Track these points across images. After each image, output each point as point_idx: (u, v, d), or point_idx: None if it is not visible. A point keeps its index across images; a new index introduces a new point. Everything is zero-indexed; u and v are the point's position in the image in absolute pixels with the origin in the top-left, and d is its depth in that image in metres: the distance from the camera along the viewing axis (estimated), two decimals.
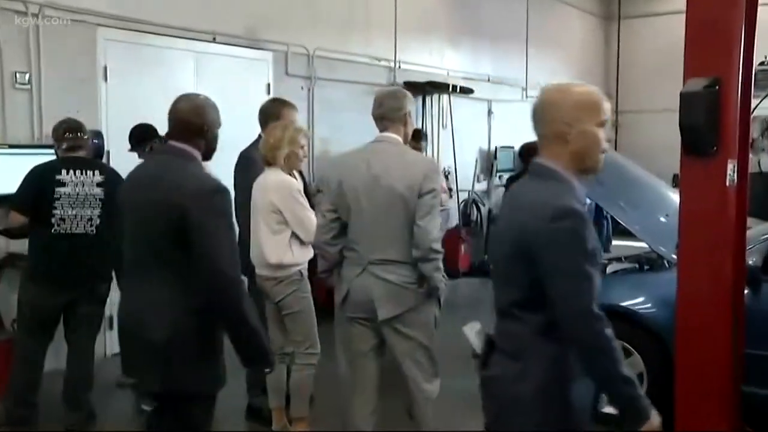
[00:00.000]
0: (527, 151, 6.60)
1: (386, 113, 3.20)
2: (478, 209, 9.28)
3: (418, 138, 6.32)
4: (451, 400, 3.75)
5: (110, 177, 3.94)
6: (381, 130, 3.24)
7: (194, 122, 2.54)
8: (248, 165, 4.06)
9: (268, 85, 6.66)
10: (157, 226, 2.42)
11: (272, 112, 4.16)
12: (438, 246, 3.06)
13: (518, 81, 10.27)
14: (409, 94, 3.31)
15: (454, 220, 8.93)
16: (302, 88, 7.13)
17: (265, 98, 6.37)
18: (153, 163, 2.67)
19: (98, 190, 3.87)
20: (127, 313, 2.56)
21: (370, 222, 3.11)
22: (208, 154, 2.61)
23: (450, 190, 9.12)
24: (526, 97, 10.41)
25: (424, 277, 3.09)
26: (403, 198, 3.05)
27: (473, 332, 2.25)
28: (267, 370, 2.60)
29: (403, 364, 3.19)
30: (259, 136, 4.08)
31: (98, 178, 3.89)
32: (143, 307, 2.47)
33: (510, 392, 1.99)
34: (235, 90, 6.18)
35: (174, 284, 2.41)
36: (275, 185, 3.63)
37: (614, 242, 9.97)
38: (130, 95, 5.46)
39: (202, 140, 2.55)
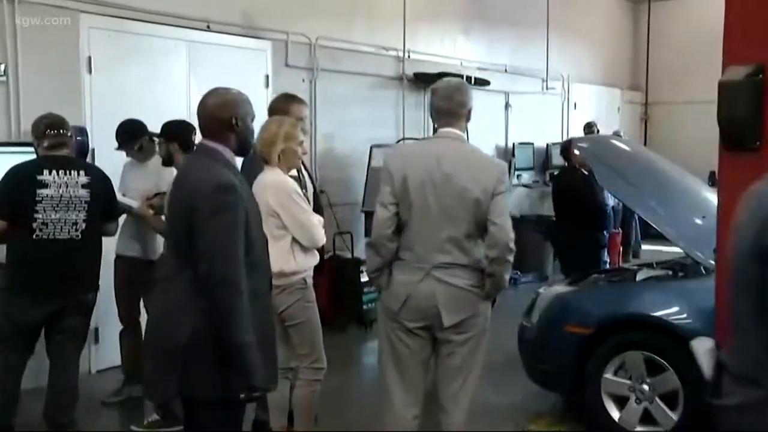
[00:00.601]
0: (567, 149, 6.60)
1: (454, 108, 3.23)
2: None
3: None
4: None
5: (96, 177, 3.93)
6: (441, 126, 3.27)
7: (222, 117, 2.63)
8: (250, 164, 4.05)
9: (267, 77, 6.66)
10: (177, 227, 2.55)
11: (279, 108, 4.16)
12: (513, 245, 3.13)
13: (538, 71, 10.24)
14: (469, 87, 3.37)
15: None
16: (303, 80, 7.13)
17: (263, 91, 6.49)
18: (185, 164, 2.80)
19: (83, 192, 3.85)
20: (152, 316, 2.69)
21: (436, 222, 3.13)
22: (241, 149, 2.71)
23: None
24: (547, 89, 10.38)
25: (485, 279, 3.17)
26: (476, 200, 3.11)
27: (703, 350, 2.07)
28: (242, 395, 2.51)
29: (447, 374, 3.25)
30: None
31: (83, 178, 3.87)
32: (165, 310, 2.59)
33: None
34: (231, 82, 5.96)
35: (195, 287, 2.49)
36: (272, 185, 3.61)
37: (645, 247, 9.95)
38: (116, 88, 5.45)
39: (233, 135, 2.65)
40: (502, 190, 3.15)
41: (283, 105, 4.19)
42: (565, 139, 10.62)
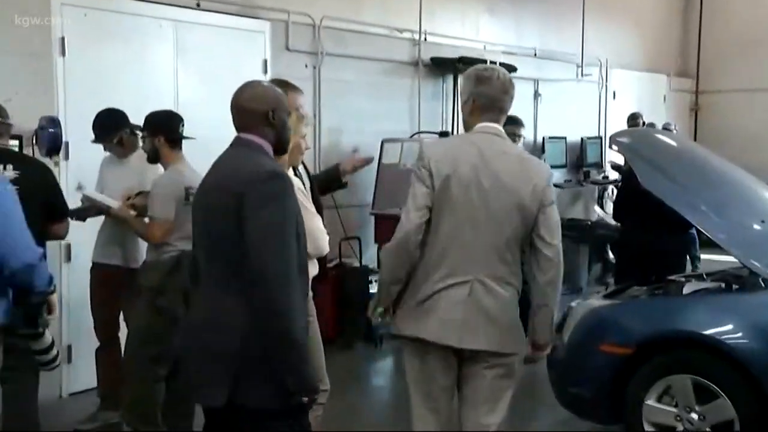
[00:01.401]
0: None
1: (508, 103, 3.27)
2: None
3: (515, 124, 6.27)
4: None
5: (29, 171, 3.85)
6: (484, 120, 3.25)
7: (257, 110, 2.78)
8: None
9: (265, 62, 6.65)
10: (219, 223, 2.66)
11: None
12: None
13: (572, 56, 10.20)
14: None
15: None
16: (306, 66, 7.10)
17: (260, 78, 6.38)
18: (221, 159, 2.87)
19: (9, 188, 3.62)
20: (191, 323, 2.79)
21: (482, 230, 3.14)
22: (280, 146, 2.85)
23: None
24: (582, 75, 10.32)
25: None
26: (524, 207, 3.14)
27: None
28: (305, 398, 2.69)
29: (477, 404, 3.25)
30: None
31: (11, 173, 3.78)
32: (211, 314, 2.69)
33: None
34: (225, 68, 6.15)
35: (243, 287, 2.59)
36: None
37: (703, 256, 9.82)
38: (93, 74, 5.41)
39: (270, 129, 2.79)
40: (552, 199, 3.19)
41: None
42: (602, 132, 10.57)
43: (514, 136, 6.15)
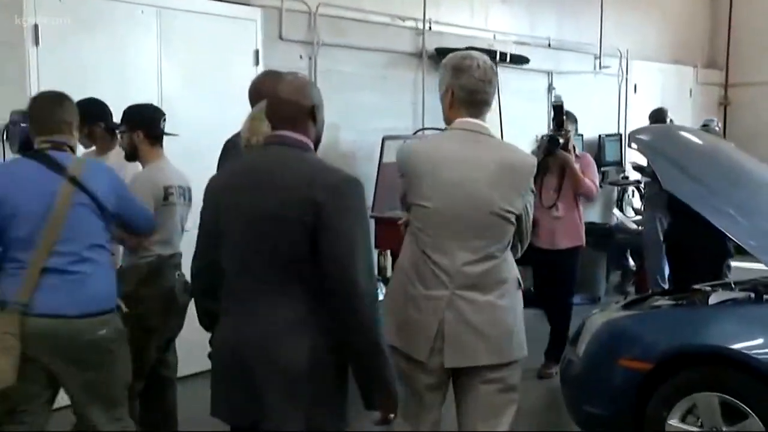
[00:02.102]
0: None
1: (491, 94, 3.29)
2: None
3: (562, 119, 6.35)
4: None
5: None
6: (466, 115, 3.28)
7: (304, 104, 2.80)
8: (228, 157, 4.03)
9: (257, 52, 6.62)
10: (284, 231, 2.64)
11: (263, 88, 4.13)
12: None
13: (589, 46, 10.21)
14: None
15: None
16: (301, 56, 7.12)
17: (251, 70, 6.39)
18: (260, 158, 2.87)
19: None
20: (242, 341, 2.71)
21: (463, 237, 3.19)
22: (317, 142, 2.88)
23: None
24: (600, 67, 10.32)
25: None
26: (507, 209, 3.21)
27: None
28: (392, 416, 2.82)
29: (476, 423, 3.31)
30: None
31: None
32: (269, 332, 2.66)
33: None
34: (213, 59, 6.16)
35: (308, 301, 2.65)
36: None
37: (735, 263, 9.80)
38: (69, 65, 5.40)
39: (314, 125, 2.83)
40: (532, 197, 3.30)
41: (268, 85, 4.16)
42: (622, 129, 10.55)
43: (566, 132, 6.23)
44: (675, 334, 4.33)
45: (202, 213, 2.93)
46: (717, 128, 8.88)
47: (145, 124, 4.31)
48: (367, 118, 7.53)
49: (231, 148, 4.14)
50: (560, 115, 6.28)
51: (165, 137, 4.37)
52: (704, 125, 8.73)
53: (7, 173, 3.61)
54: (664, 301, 4.82)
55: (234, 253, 2.76)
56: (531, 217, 3.34)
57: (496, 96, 8.78)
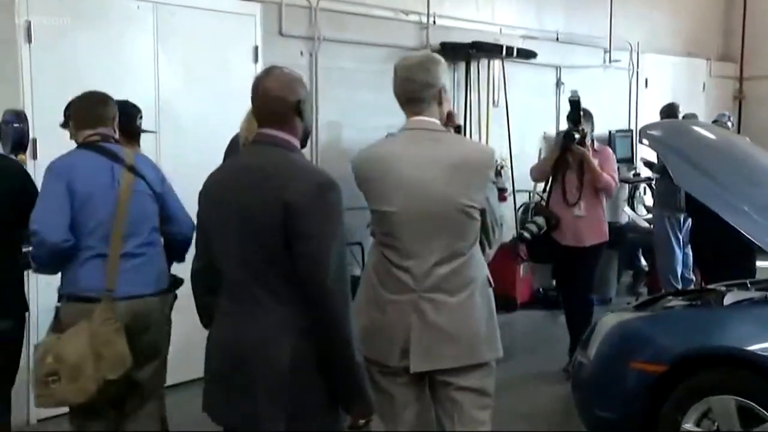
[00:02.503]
0: None
1: (419, 91, 3.31)
2: None
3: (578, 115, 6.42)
4: None
5: None
6: (411, 114, 3.34)
7: (290, 99, 2.81)
8: (236, 145, 4.16)
9: (256, 48, 6.63)
10: (264, 233, 2.69)
11: None
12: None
13: (599, 40, 10.19)
14: (441, 60, 3.40)
15: (510, 233, 8.79)
16: (302, 53, 7.12)
17: (251, 66, 6.44)
18: (246, 158, 2.93)
19: None
20: (231, 342, 2.79)
21: (423, 240, 3.23)
22: (305, 139, 2.91)
23: (503, 191, 8.99)
24: (610, 61, 10.30)
25: None
26: (465, 205, 3.22)
27: None
28: (362, 421, 2.83)
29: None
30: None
31: None
32: (255, 333, 2.73)
33: None
34: (211, 56, 6.16)
35: (292, 302, 2.69)
36: None
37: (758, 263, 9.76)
38: (63, 63, 5.41)
39: (300, 121, 2.85)
40: (493, 187, 3.32)
41: None
42: (632, 125, 10.51)
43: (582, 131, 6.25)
44: (689, 335, 4.32)
45: (198, 213, 2.98)
46: (729, 124, 8.84)
47: (120, 121, 4.31)
48: (369, 116, 7.50)
49: (236, 144, 4.21)
50: (577, 111, 6.30)
51: (153, 136, 4.36)
52: (715, 121, 8.69)
53: (73, 165, 3.74)
54: (677, 302, 4.81)
55: (223, 254, 2.82)
56: (497, 212, 3.37)
57: (502, 91, 8.85)
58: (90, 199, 3.65)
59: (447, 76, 3.38)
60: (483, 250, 3.36)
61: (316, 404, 2.74)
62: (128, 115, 4.33)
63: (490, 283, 3.36)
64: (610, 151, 6.77)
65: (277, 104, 2.80)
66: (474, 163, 3.26)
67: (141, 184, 3.76)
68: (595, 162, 6.24)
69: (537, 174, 6.89)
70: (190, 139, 5.83)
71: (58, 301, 3.76)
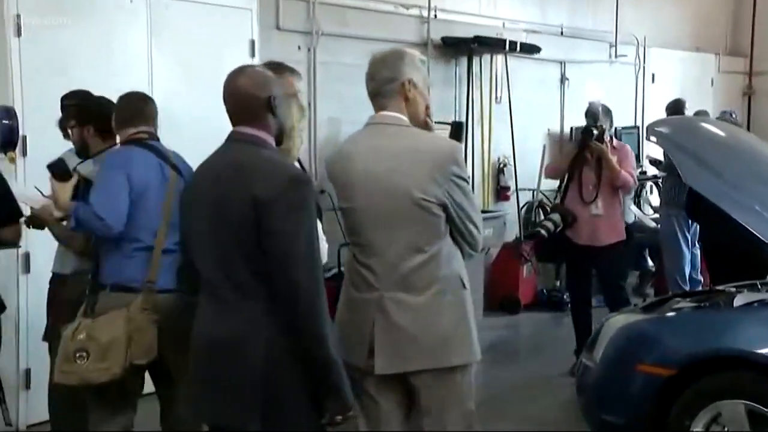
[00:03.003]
0: None
1: (381, 86, 3.36)
2: (546, 214, 9.13)
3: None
4: None
5: None
6: (377, 110, 3.39)
7: (261, 96, 2.89)
8: None
9: (252, 43, 6.63)
10: (237, 229, 2.76)
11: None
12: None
13: (604, 34, 10.19)
14: (411, 53, 3.45)
15: (513, 232, 8.79)
16: (299, 47, 7.12)
17: (247, 61, 6.31)
18: (219, 156, 2.96)
19: None
20: (209, 340, 2.87)
21: (384, 236, 3.25)
22: (280, 138, 2.98)
23: (506, 189, 8.99)
24: (616, 56, 10.29)
25: None
26: (426, 198, 3.20)
27: None
28: (340, 417, 2.86)
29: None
30: None
31: None
32: (231, 332, 2.80)
33: None
34: (206, 51, 6.15)
35: (267, 299, 2.75)
36: None
37: None
38: (54, 57, 5.40)
39: (273, 118, 2.92)
40: (464, 176, 3.29)
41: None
42: (639, 122, 10.50)
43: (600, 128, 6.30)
44: (698, 338, 4.32)
45: (179, 212, 3.10)
46: (734, 120, 8.81)
47: (96, 119, 4.32)
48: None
49: None
50: (592, 119, 6.35)
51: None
52: (718, 118, 8.70)
53: (130, 158, 3.88)
54: (685, 303, 4.79)
55: (199, 252, 2.90)
56: (470, 211, 3.31)
57: (505, 87, 8.85)
58: (144, 194, 3.80)
59: (417, 70, 3.37)
60: (462, 252, 3.34)
61: (292, 402, 2.78)
62: (102, 114, 4.29)
63: (463, 284, 3.32)
64: (629, 148, 6.76)
65: (250, 101, 2.88)
66: (432, 156, 3.24)
67: (181, 183, 3.82)
68: (614, 159, 6.24)
69: (552, 171, 6.91)
70: (185, 137, 5.78)
71: (92, 291, 3.87)
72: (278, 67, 4.32)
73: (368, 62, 3.41)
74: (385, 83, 3.32)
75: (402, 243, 3.22)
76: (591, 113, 6.49)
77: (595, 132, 6.25)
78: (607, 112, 6.59)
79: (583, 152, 6.31)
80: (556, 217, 6.25)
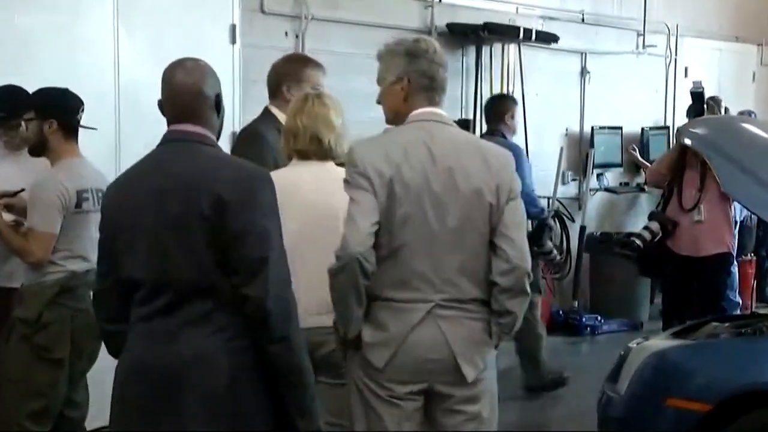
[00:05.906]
0: None
1: (440, 79, 3.44)
2: (564, 226, 9.12)
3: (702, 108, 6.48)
4: None
5: None
6: (417, 105, 3.42)
7: (207, 94, 2.96)
8: (256, 140, 4.37)
9: (233, 28, 6.64)
10: (191, 238, 2.79)
11: (289, 74, 4.43)
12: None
13: (631, 21, 10.20)
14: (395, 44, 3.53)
15: None
16: (286, 33, 7.14)
17: (228, 48, 6.47)
18: (158, 159, 2.98)
19: None
20: (159, 364, 2.85)
21: (439, 241, 3.28)
22: (219, 136, 3.05)
23: None
24: (644, 47, 10.29)
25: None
26: (486, 204, 3.28)
27: None
28: None
29: None
30: (266, 109, 4.53)
31: None
32: (189, 350, 2.82)
33: None
34: (182, 36, 6.12)
35: (227, 314, 2.81)
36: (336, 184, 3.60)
37: None
38: (10, 45, 5.40)
39: (217, 116, 3.00)
40: (518, 192, 3.37)
41: (293, 69, 4.49)
42: (669, 121, 10.52)
43: None
44: (738, 369, 4.34)
45: (100, 228, 3.03)
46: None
47: (60, 113, 4.31)
48: (365, 106, 7.38)
49: (254, 139, 4.35)
50: (700, 104, 6.32)
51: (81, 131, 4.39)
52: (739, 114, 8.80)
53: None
54: (723, 329, 4.81)
55: (142, 268, 2.86)
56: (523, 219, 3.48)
57: (518, 81, 8.89)
58: None
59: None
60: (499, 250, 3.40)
61: (258, 426, 2.84)
62: (68, 108, 4.34)
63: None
64: None
65: (195, 99, 2.94)
66: (505, 160, 3.41)
67: None
68: None
69: (651, 176, 6.93)
70: (156, 133, 5.80)
71: None
72: (306, 61, 4.45)
73: (438, 51, 3.44)
74: (443, 81, 3.46)
75: (461, 260, 3.33)
76: (697, 96, 6.45)
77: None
78: (717, 103, 6.59)
79: (684, 152, 6.22)
80: (654, 225, 6.24)
